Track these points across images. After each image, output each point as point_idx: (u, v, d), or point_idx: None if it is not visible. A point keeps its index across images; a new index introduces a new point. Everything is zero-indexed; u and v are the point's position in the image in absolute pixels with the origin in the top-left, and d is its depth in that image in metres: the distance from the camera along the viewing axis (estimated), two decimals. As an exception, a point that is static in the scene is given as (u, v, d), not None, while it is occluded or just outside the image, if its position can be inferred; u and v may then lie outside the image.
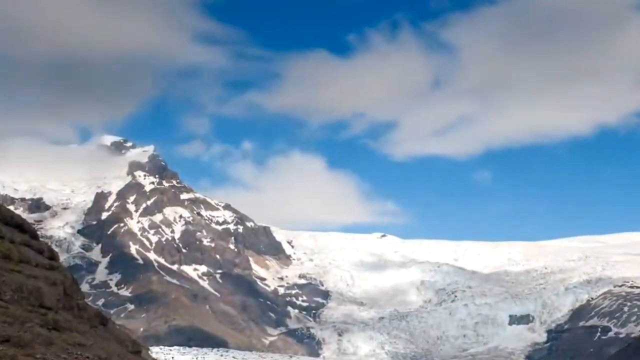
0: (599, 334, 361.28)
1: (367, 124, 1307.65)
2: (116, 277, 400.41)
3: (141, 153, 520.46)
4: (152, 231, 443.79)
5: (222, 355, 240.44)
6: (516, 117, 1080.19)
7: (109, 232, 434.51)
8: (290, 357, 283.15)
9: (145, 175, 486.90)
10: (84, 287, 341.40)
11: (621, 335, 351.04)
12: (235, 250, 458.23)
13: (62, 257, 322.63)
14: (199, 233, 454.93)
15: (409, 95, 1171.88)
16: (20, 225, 74.10)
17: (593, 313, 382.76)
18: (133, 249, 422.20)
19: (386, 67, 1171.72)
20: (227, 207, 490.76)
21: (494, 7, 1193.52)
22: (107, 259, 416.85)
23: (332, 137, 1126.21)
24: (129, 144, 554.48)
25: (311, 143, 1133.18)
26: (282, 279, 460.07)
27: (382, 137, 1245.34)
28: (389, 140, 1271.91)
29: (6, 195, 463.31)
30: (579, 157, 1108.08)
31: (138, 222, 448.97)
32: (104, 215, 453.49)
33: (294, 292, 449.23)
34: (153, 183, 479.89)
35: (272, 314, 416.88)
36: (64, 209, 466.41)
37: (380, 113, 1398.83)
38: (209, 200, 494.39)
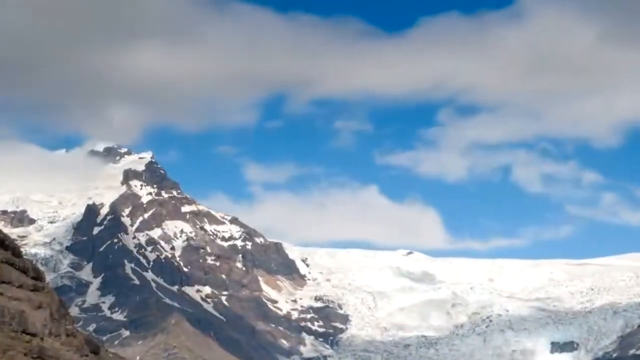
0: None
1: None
2: (109, 299, 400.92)
3: (137, 160, 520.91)
4: (149, 248, 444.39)
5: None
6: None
7: (101, 249, 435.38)
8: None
9: (142, 185, 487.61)
10: (74, 311, 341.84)
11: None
12: (243, 269, 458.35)
13: (49, 277, 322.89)
14: (202, 250, 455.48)
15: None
16: (1, 242, 74.01)
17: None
18: (128, 267, 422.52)
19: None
20: (233, 220, 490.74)
21: None
22: (99, 279, 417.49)
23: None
24: (123, 150, 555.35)
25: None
26: (295, 301, 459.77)
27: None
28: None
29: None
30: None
31: (134, 237, 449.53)
32: (96, 230, 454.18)
33: (309, 316, 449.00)
34: (151, 194, 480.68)
35: (284, 341, 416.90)
36: (51, 222, 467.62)
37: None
38: (213, 213, 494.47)
